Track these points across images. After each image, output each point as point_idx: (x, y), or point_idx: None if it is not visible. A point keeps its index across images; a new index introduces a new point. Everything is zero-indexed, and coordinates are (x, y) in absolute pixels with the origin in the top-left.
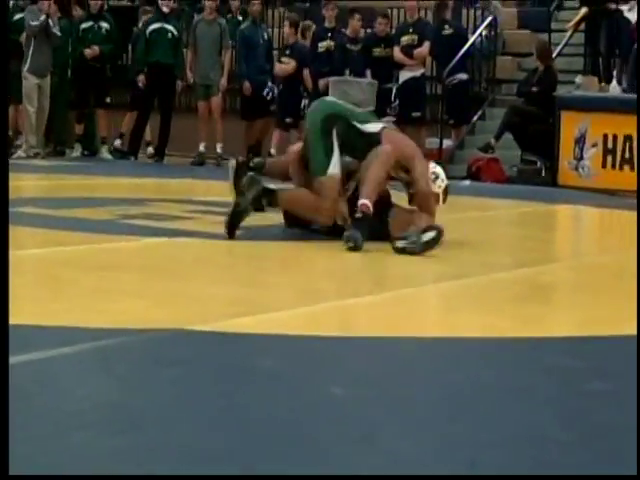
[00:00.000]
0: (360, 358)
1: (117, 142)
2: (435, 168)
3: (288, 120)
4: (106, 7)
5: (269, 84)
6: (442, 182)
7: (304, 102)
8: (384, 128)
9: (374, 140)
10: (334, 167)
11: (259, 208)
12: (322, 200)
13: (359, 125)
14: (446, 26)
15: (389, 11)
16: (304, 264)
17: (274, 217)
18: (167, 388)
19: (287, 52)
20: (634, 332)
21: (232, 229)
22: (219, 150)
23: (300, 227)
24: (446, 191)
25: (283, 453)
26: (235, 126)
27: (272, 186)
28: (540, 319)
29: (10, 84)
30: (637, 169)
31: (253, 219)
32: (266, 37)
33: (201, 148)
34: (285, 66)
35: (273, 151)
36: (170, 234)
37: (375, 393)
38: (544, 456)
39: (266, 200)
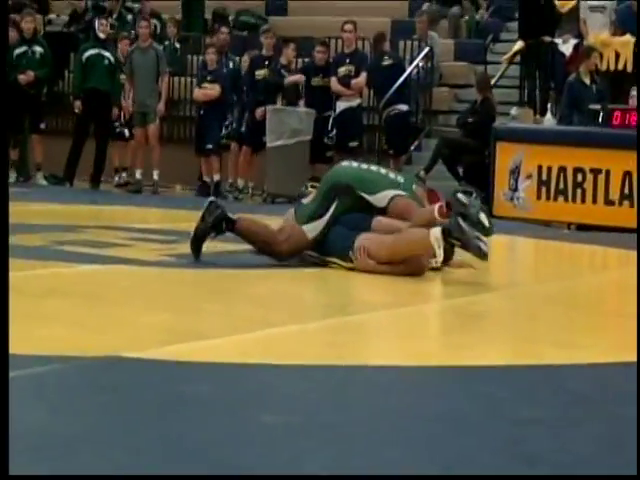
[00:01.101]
0: (291, 386)
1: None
2: (439, 248)
3: (209, 147)
4: (41, 32)
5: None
6: (435, 263)
7: (224, 129)
8: (393, 198)
9: (379, 210)
10: (313, 228)
11: (219, 231)
12: (281, 241)
13: (367, 196)
14: (385, 57)
15: (327, 40)
16: (238, 291)
17: (209, 244)
18: (100, 415)
19: (209, 78)
20: (562, 361)
21: (196, 251)
22: (156, 177)
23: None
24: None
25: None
26: (173, 153)
27: (232, 216)
28: (470, 347)
29: None
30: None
31: (188, 247)
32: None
33: (137, 175)
34: (209, 91)
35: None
36: (106, 261)
37: (305, 420)
38: None
39: (226, 226)
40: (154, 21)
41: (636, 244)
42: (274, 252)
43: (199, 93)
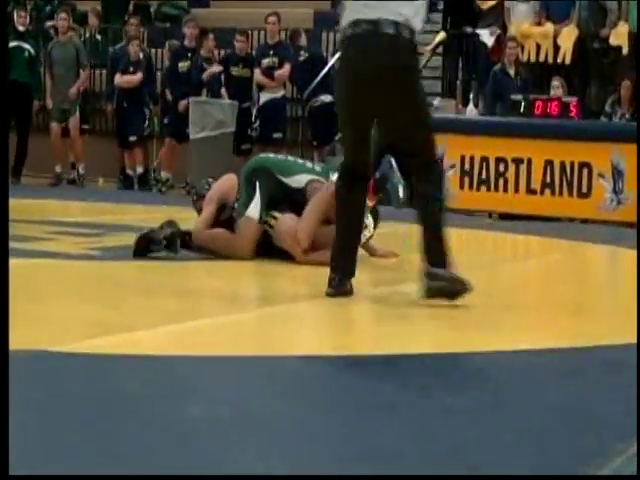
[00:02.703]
0: (218, 378)
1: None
2: (367, 219)
3: (132, 138)
4: None
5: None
6: (369, 233)
7: (146, 118)
8: (310, 182)
9: (297, 197)
10: (252, 210)
11: (172, 249)
12: (236, 238)
13: (283, 178)
14: (301, 52)
15: (249, 32)
16: (165, 284)
17: (128, 237)
18: (23, 412)
19: (131, 69)
20: (489, 348)
21: (139, 251)
22: (81, 170)
23: None
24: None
25: (144, 473)
26: (94, 146)
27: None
28: (398, 337)
29: None
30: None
31: (113, 239)
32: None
33: (57, 169)
34: (130, 77)
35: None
36: (29, 255)
37: (232, 413)
38: (403, 471)
39: (181, 240)
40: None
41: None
42: (234, 247)
43: (121, 80)
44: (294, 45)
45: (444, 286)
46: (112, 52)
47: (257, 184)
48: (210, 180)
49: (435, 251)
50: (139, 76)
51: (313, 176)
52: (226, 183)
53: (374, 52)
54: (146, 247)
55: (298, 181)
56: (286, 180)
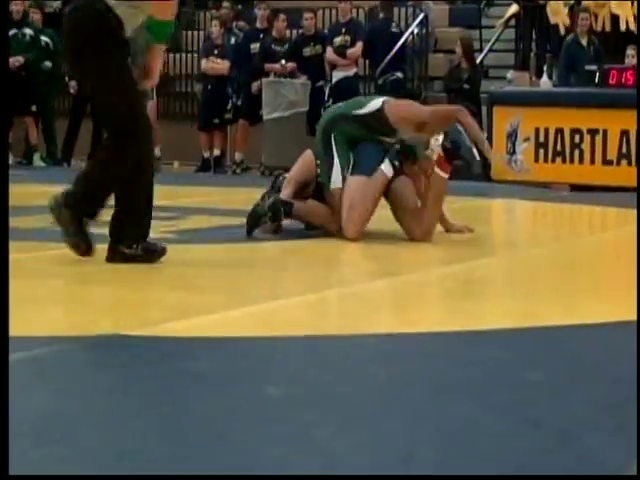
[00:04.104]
0: (293, 358)
1: None
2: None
3: (215, 121)
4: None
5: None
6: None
7: (231, 102)
8: (385, 103)
9: (378, 117)
10: (335, 180)
11: (277, 219)
12: (331, 214)
13: (358, 112)
14: (393, 24)
15: (321, 11)
16: (242, 265)
17: (203, 220)
18: (101, 395)
19: (215, 52)
20: (565, 322)
21: (249, 229)
22: (158, 153)
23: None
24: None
25: (219, 455)
26: (169, 129)
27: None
28: (471, 313)
29: None
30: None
31: (188, 222)
32: (233, 42)
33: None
34: (217, 66)
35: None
36: (105, 241)
37: (309, 392)
38: (479, 448)
39: (284, 209)
40: None
41: (636, 203)
42: (330, 220)
43: (208, 66)
44: (386, 15)
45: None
46: (208, 34)
47: (333, 143)
48: (286, 175)
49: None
50: (226, 65)
51: (386, 97)
52: (303, 163)
53: None
54: (255, 224)
55: (373, 106)
56: (361, 111)
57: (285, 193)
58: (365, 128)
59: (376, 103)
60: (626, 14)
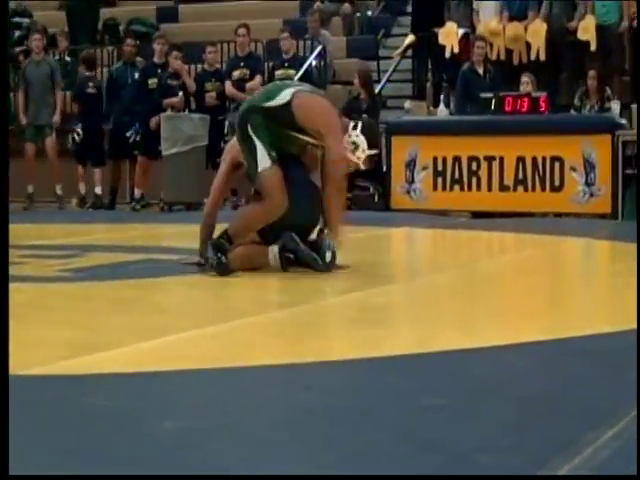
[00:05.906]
0: (194, 391)
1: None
2: (357, 137)
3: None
4: None
5: (135, 126)
6: (362, 153)
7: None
8: (295, 94)
9: (286, 112)
10: (262, 161)
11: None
12: (268, 199)
13: (268, 104)
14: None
15: (219, 45)
16: (139, 301)
17: (102, 257)
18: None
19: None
20: (465, 346)
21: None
22: (59, 192)
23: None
24: (366, 161)
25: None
26: (71, 167)
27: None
28: (372, 340)
29: None
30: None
31: (85, 260)
32: (137, 77)
33: (29, 190)
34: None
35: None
36: None
37: (210, 424)
38: (382, 471)
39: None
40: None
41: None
42: (271, 210)
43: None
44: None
45: None
46: (111, 71)
47: (251, 131)
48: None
49: None
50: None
51: (298, 88)
52: (233, 144)
53: None
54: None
55: (283, 97)
56: (272, 103)
57: (221, 169)
58: (276, 123)
59: (286, 95)
60: (538, 44)
